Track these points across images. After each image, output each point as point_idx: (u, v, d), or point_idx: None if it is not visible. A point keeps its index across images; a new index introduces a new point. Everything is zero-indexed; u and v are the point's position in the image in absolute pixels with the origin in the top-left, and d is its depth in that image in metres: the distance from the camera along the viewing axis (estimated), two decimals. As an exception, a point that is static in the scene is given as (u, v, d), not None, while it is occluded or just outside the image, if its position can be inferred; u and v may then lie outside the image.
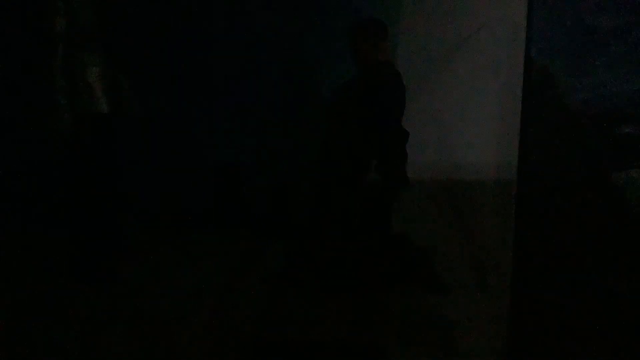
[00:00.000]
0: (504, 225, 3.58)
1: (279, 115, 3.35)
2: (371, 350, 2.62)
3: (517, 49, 3.50)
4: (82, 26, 2.73)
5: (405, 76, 2.84)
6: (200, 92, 3.56)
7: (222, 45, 3.59)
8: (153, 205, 3.17)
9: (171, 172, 3.50)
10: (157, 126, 3.42)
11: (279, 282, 2.83)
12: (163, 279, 2.84)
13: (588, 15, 3.31)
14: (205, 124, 3.51)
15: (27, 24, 3.21)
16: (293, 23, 3.56)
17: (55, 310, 2.59)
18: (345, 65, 2.92)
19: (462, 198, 3.59)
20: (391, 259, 2.84)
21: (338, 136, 2.86)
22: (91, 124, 2.77)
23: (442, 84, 3.48)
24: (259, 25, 3.58)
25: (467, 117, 3.55)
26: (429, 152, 3.40)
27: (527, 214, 3.56)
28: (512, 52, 3.49)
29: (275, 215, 3.53)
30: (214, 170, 3.61)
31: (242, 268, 3.00)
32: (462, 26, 3.48)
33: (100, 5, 2.77)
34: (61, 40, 2.72)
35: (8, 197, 3.40)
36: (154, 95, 3.34)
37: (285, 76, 3.57)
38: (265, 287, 2.78)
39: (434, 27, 3.47)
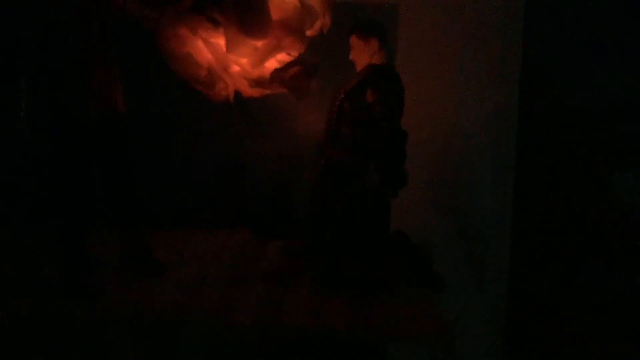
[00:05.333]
0: (502, 224, 3.60)
1: (278, 115, 3.35)
2: (369, 349, 2.64)
3: (516, 49, 3.51)
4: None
5: (403, 77, 2.85)
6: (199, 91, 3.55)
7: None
8: (153, 205, 3.16)
9: (171, 172, 3.51)
10: (156, 126, 3.43)
11: (278, 282, 2.84)
12: (163, 279, 2.84)
13: (587, 15, 3.31)
14: (205, 123, 3.51)
15: (26, 23, 3.20)
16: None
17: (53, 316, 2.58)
18: (344, 66, 2.92)
19: (460, 197, 3.60)
20: (389, 257, 2.86)
21: (336, 137, 2.87)
22: (89, 124, 2.75)
23: (440, 85, 3.49)
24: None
25: (465, 117, 3.56)
26: (427, 152, 3.41)
27: (524, 213, 3.58)
28: (511, 52, 3.50)
29: (275, 215, 3.54)
30: (214, 169, 3.62)
31: (242, 268, 3.01)
32: (460, 27, 3.49)
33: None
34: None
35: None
36: (152, 94, 3.35)
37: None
38: (265, 288, 2.80)
39: (432, 27, 3.48)
